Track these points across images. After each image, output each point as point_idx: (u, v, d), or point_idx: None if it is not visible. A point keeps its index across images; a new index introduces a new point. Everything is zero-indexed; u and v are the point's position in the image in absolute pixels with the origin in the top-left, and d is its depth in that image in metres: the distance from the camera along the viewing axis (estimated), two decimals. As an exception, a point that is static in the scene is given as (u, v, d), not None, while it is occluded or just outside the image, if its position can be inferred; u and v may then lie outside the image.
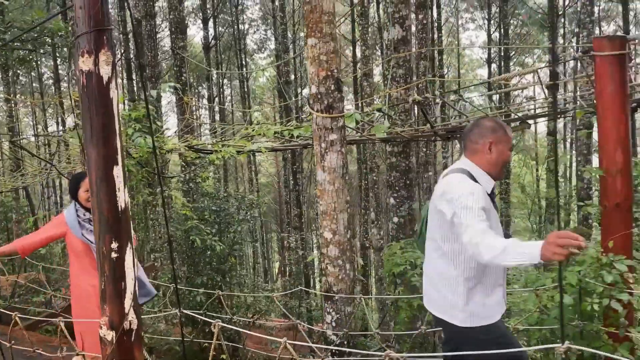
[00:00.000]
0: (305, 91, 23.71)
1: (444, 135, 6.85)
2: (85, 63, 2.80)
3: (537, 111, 9.24)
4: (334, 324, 4.88)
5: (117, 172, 2.92)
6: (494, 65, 22.87)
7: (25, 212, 17.42)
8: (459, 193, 2.52)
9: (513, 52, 22.63)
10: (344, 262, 4.85)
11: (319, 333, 5.08)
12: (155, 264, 8.73)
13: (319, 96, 4.63)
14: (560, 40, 19.50)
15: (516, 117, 7.39)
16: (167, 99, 24.01)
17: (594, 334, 3.59)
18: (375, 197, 16.90)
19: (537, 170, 23.76)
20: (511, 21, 21.59)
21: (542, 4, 20.52)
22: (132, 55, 19.16)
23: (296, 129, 5.46)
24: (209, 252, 7.13)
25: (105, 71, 2.82)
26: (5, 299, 8.25)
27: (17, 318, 4.39)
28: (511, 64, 22.66)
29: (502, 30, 20.58)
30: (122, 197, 2.93)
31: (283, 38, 19.50)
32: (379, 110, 6.35)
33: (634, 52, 3.71)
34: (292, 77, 20.07)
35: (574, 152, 21.23)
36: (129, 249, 2.97)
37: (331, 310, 4.89)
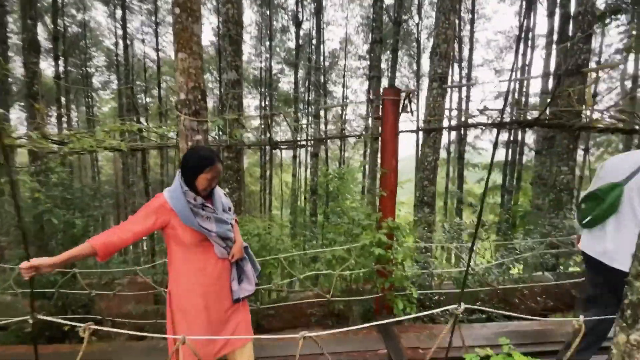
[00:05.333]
0: (143, 120, 19.15)
1: (273, 145, 5.62)
2: None
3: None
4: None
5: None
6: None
7: None
8: None
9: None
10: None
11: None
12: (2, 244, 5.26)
13: (187, 102, 3.02)
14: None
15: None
16: (17, 114, 16.24)
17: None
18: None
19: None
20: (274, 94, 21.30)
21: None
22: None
23: (159, 128, 3.58)
24: (59, 235, 4.37)
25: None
26: None
27: None
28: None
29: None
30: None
31: (126, 80, 15.19)
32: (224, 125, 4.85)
33: (409, 98, 3.26)
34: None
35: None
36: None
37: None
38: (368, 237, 3.02)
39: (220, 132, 5.18)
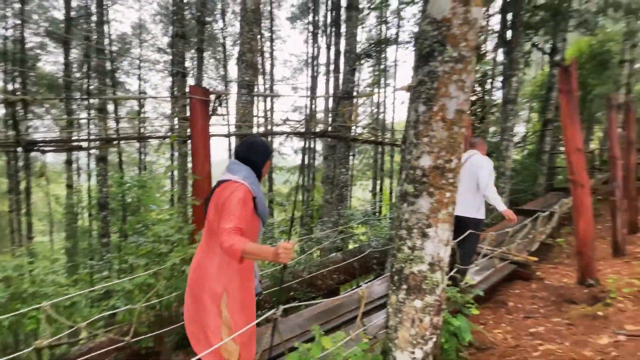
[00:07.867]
0: None
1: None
2: None
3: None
4: None
5: None
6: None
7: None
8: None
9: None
10: None
11: None
12: None
13: None
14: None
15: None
16: None
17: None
18: None
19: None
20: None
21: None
22: None
23: None
24: None
25: None
26: None
27: None
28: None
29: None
30: None
31: None
32: None
33: (220, 100, 3.11)
34: None
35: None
36: None
37: None
38: (179, 254, 2.65)
39: None
